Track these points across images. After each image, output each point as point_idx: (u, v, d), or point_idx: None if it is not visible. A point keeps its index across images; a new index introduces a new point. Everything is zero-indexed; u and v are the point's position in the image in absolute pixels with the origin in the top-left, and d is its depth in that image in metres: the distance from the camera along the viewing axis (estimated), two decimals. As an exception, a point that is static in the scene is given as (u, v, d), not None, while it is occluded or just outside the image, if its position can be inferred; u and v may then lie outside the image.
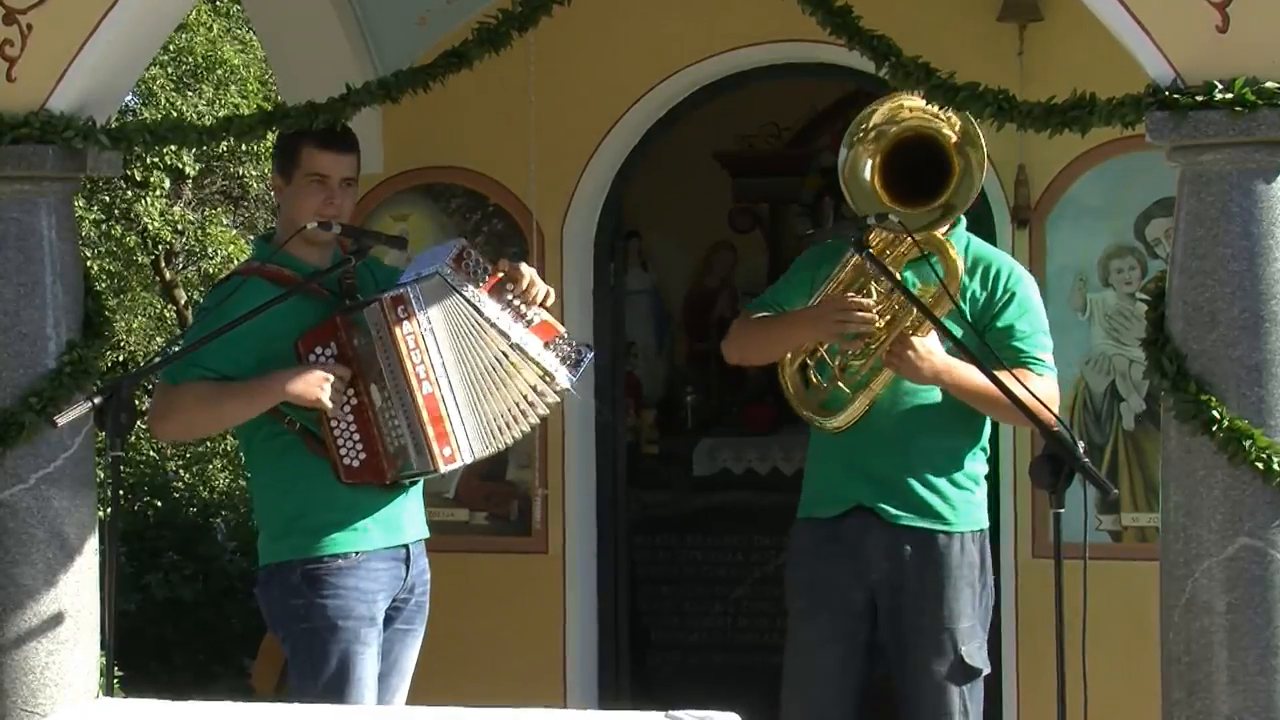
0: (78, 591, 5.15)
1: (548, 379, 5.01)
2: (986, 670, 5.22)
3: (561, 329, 5.07)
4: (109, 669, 4.95)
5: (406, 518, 5.09)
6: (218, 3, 13.86)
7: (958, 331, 5.06)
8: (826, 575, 5.17)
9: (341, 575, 4.96)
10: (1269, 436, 4.58)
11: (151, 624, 9.66)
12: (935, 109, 4.98)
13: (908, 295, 4.89)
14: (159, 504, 11.09)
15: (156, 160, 12.74)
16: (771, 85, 7.43)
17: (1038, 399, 4.59)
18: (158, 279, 14.24)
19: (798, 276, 5.31)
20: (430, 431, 4.91)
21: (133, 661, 8.15)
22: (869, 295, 5.06)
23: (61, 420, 4.61)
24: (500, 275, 5.02)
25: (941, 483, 5.15)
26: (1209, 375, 4.62)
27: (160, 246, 13.70)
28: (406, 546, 5.09)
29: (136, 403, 4.74)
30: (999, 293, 5.14)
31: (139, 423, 4.94)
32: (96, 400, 4.58)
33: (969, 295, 5.12)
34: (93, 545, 5.20)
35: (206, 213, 14.41)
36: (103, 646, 5.17)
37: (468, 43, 5.18)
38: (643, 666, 7.98)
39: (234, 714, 3.98)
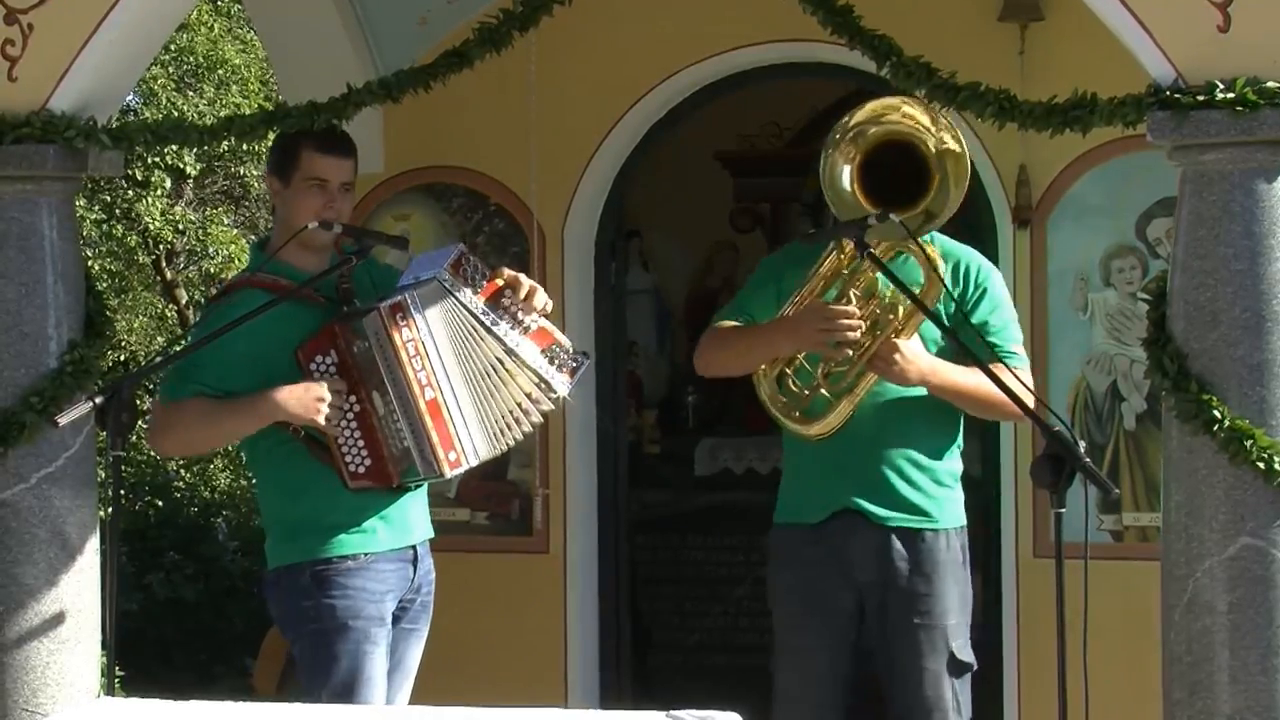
0: (79, 591, 5.15)
1: (544, 386, 5.01)
2: (975, 666, 5.22)
3: (559, 336, 5.07)
4: (110, 668, 4.95)
5: (413, 518, 5.09)
6: (219, 2, 13.86)
7: (943, 337, 5.09)
8: (814, 580, 5.16)
9: (350, 576, 4.96)
10: (1270, 436, 4.58)
11: (153, 624, 9.67)
12: (917, 116, 4.94)
13: (911, 297, 4.88)
14: (160, 504, 11.10)
15: (158, 160, 12.74)
16: (772, 85, 7.43)
17: (1038, 399, 4.58)
18: (159, 279, 14.25)
19: (762, 286, 5.28)
20: (435, 437, 4.91)
21: (134, 661, 8.15)
22: (848, 301, 5.05)
23: (63, 420, 4.61)
24: (499, 283, 5.02)
25: (925, 481, 5.15)
26: (1210, 375, 4.62)
27: (161, 246, 13.71)
28: (413, 547, 5.09)
29: (137, 402, 4.74)
30: (970, 289, 5.13)
31: (139, 422, 4.94)
32: (98, 400, 4.58)
33: (943, 293, 5.12)
34: (94, 545, 5.21)
35: (208, 212, 14.41)
36: (104, 646, 5.17)
37: (469, 42, 5.18)
38: (644, 666, 7.98)
39: (235, 714, 3.97)
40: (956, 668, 5.15)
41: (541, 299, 5.03)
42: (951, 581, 5.15)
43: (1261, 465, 4.56)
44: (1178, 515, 4.70)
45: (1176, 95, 4.62)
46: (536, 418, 5.04)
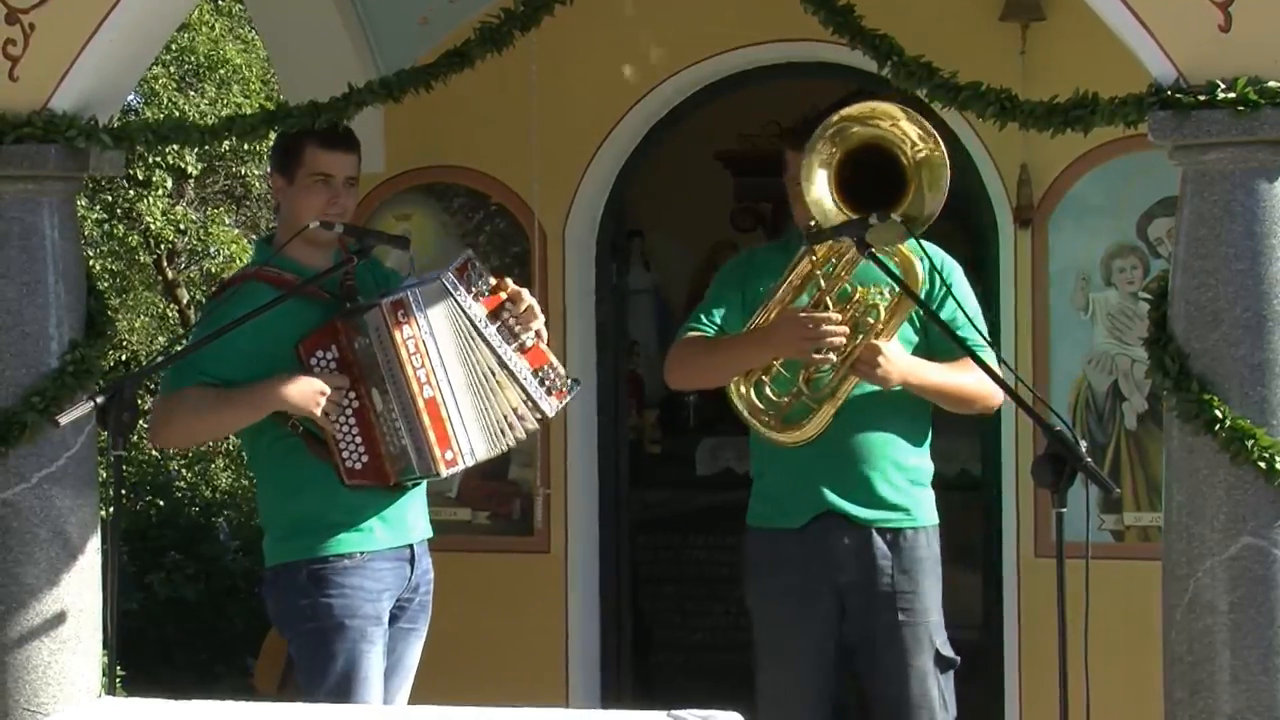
0: (80, 591, 5.15)
1: (530, 404, 5.02)
2: (958, 661, 5.22)
3: (554, 358, 5.09)
4: (111, 668, 4.95)
5: (411, 518, 5.10)
6: (220, 2, 13.86)
7: (915, 335, 5.11)
8: (796, 583, 5.16)
9: (347, 575, 4.96)
10: (1271, 436, 4.58)
11: (154, 623, 9.67)
12: (898, 121, 4.92)
13: (914, 299, 4.91)
14: (161, 503, 11.09)
15: (159, 159, 12.74)
16: (773, 85, 7.42)
17: (1039, 398, 4.59)
18: (160, 278, 14.25)
19: (726, 295, 5.28)
20: (431, 435, 4.92)
21: (135, 661, 8.15)
22: (826, 306, 5.05)
23: (64, 419, 4.61)
24: (502, 296, 5.02)
25: (903, 480, 5.17)
26: (1211, 375, 4.62)
27: (162, 246, 13.70)
28: (411, 546, 5.09)
29: (139, 402, 4.74)
30: (937, 285, 5.13)
31: (141, 422, 4.94)
32: (99, 399, 4.58)
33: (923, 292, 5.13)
34: (95, 544, 5.21)
35: (209, 212, 14.41)
36: (105, 646, 5.17)
37: (470, 42, 5.18)
38: (645, 666, 7.98)
39: (236, 713, 3.97)
40: (942, 663, 5.17)
41: (540, 318, 5.04)
42: (932, 578, 5.19)
43: (1263, 465, 4.55)
44: (1179, 515, 4.70)
45: (1178, 95, 4.62)
46: (521, 433, 5.06)
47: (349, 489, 4.96)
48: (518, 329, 5.03)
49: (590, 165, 7.17)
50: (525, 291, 5.07)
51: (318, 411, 4.88)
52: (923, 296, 5.03)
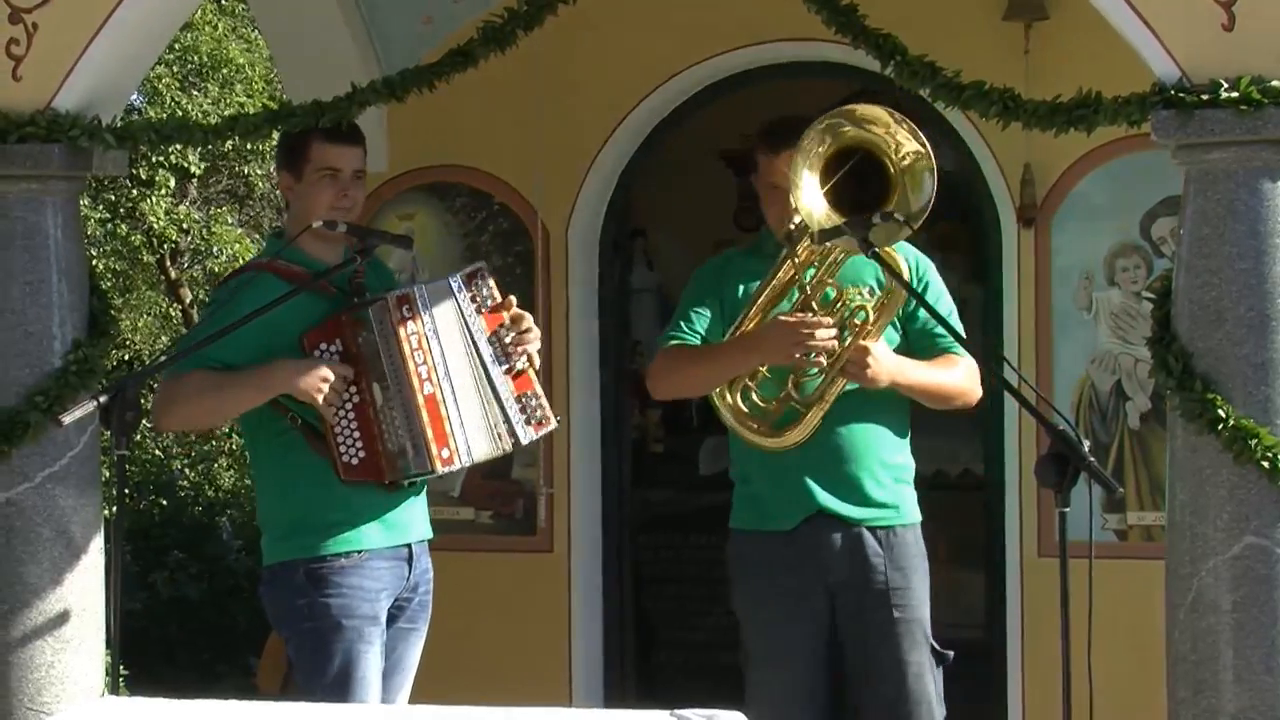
0: (83, 590, 5.16)
1: (507, 426, 5.01)
2: (951, 656, 5.22)
3: (539, 389, 5.07)
4: (114, 668, 4.94)
5: (409, 517, 5.09)
6: (223, 2, 13.86)
7: (896, 336, 5.11)
8: (788, 585, 5.15)
9: (344, 574, 4.96)
10: (1275, 435, 4.58)
11: (157, 623, 9.67)
12: (889, 129, 4.91)
13: (918, 298, 4.93)
14: (164, 503, 11.10)
15: (162, 159, 12.75)
16: (777, 84, 7.42)
17: (1042, 397, 4.59)
18: (163, 278, 14.25)
19: (703, 301, 5.26)
20: (429, 432, 4.92)
21: (138, 660, 8.14)
22: (813, 311, 5.04)
23: (67, 419, 4.61)
24: (504, 316, 5.02)
25: (889, 478, 5.18)
26: (1215, 374, 4.62)
27: (165, 245, 13.71)
28: (409, 546, 5.09)
29: (142, 401, 4.74)
30: (914, 284, 5.13)
31: (144, 421, 4.95)
32: (102, 399, 4.59)
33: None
34: (98, 544, 5.21)
35: (212, 211, 14.42)
36: (108, 645, 5.17)
37: (473, 42, 5.18)
38: (648, 665, 7.98)
39: (239, 713, 3.97)
40: (936, 659, 5.18)
41: (534, 346, 5.03)
42: (921, 574, 5.20)
43: (1266, 464, 4.55)
44: (1182, 514, 4.70)
45: (1181, 94, 4.62)
46: (508, 445, 5.06)
47: (345, 485, 4.95)
48: (511, 350, 5.02)
49: (593, 164, 7.17)
50: (529, 316, 5.07)
51: (319, 399, 4.88)
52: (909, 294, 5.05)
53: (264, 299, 4.85)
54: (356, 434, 4.95)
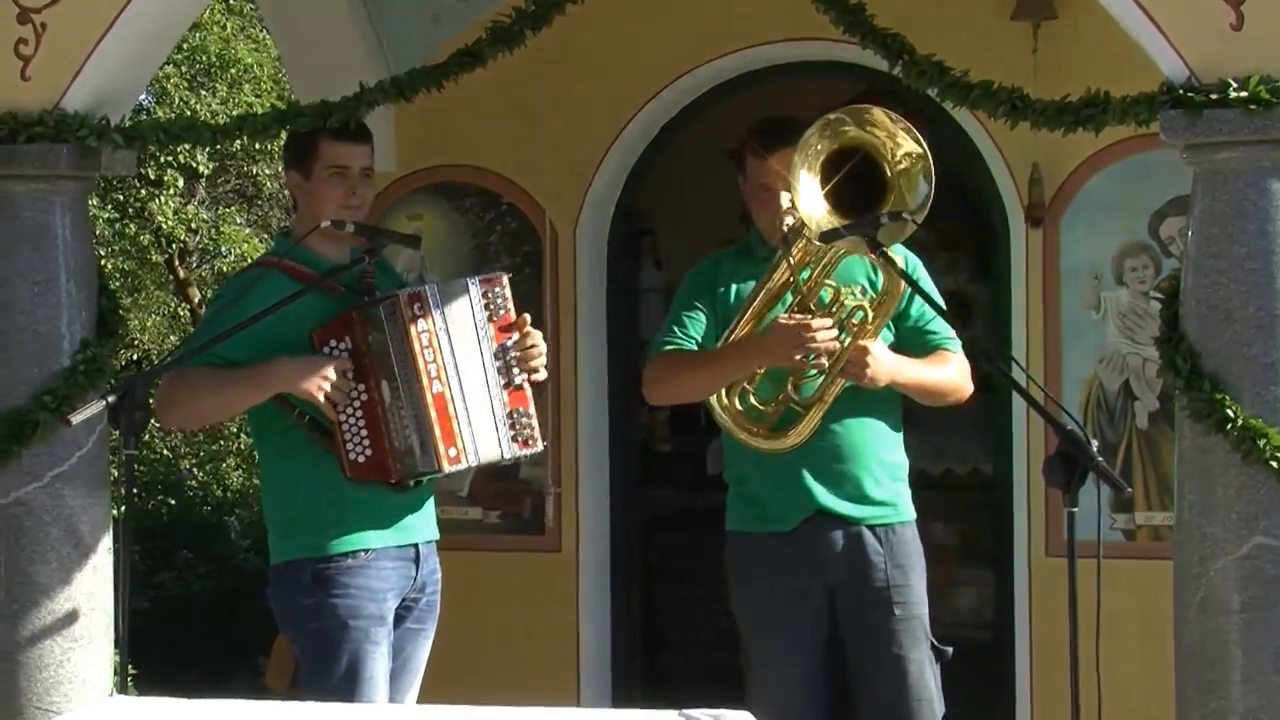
0: (92, 589, 5.16)
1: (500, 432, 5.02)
2: (950, 653, 5.22)
3: (533, 409, 5.05)
4: (123, 667, 4.95)
5: (416, 518, 5.09)
6: (231, 2, 13.88)
7: (889, 334, 5.10)
8: (788, 586, 5.14)
9: (351, 574, 4.95)
10: (1283, 435, 4.58)
11: (165, 622, 9.68)
12: (889, 131, 4.91)
13: (924, 296, 4.92)
14: (173, 502, 11.13)
15: (170, 159, 12.77)
16: (785, 84, 7.42)
17: (1050, 397, 4.58)
18: (172, 277, 14.28)
19: (696, 304, 5.25)
20: (437, 430, 4.92)
21: (146, 660, 8.16)
22: (811, 313, 5.04)
23: (75, 418, 4.61)
24: (514, 332, 5.01)
25: (887, 476, 5.18)
26: (1223, 374, 4.61)
27: (174, 245, 13.74)
28: (416, 546, 5.08)
29: (150, 401, 4.74)
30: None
31: (152, 420, 4.95)
32: (110, 399, 4.58)
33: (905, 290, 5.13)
34: (107, 543, 5.21)
35: (220, 211, 14.44)
36: (116, 644, 5.17)
37: (481, 41, 5.18)
38: (656, 665, 7.97)
39: (247, 712, 3.97)
40: (936, 654, 5.18)
41: (538, 361, 5.03)
42: (920, 572, 5.21)
43: (1274, 464, 4.54)
44: (1190, 514, 4.69)
45: (1189, 94, 4.61)
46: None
47: (351, 483, 4.95)
48: (514, 365, 5.02)
49: (601, 164, 7.17)
50: (538, 334, 5.07)
51: (321, 396, 4.87)
52: (903, 291, 5.05)
53: (272, 297, 4.85)
54: (364, 432, 4.94)
